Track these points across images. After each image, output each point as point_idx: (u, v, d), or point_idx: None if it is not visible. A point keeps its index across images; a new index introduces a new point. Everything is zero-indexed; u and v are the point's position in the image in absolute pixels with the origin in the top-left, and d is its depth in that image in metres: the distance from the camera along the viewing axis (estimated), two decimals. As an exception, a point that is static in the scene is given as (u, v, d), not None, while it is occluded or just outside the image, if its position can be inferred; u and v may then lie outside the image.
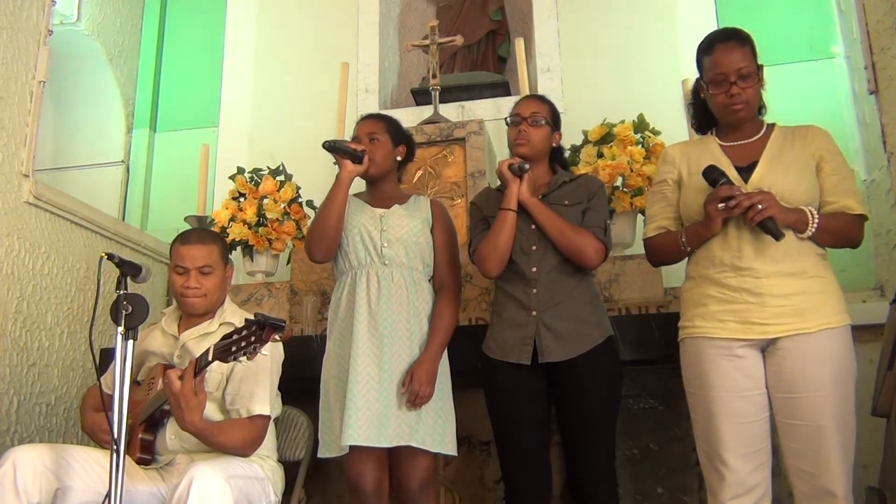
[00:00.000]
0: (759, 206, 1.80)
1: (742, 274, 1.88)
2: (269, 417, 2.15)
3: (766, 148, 1.97)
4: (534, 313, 2.11)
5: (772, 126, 2.03)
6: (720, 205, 1.85)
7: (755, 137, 2.01)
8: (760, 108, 2.05)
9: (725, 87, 1.94)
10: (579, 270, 2.16)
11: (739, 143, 2.01)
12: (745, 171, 1.95)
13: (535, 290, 2.13)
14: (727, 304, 1.89)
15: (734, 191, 1.85)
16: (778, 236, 1.81)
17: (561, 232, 2.13)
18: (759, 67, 1.97)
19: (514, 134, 2.24)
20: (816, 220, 1.87)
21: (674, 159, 2.09)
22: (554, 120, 2.28)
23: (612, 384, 2.13)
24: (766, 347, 1.87)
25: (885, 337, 2.25)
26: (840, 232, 1.91)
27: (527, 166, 2.17)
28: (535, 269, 2.14)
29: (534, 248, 2.16)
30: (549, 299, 2.12)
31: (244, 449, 2.09)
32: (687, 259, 2.04)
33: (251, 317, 2.25)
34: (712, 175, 1.90)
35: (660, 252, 2.09)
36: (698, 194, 1.95)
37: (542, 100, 2.35)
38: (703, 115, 2.10)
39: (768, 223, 1.81)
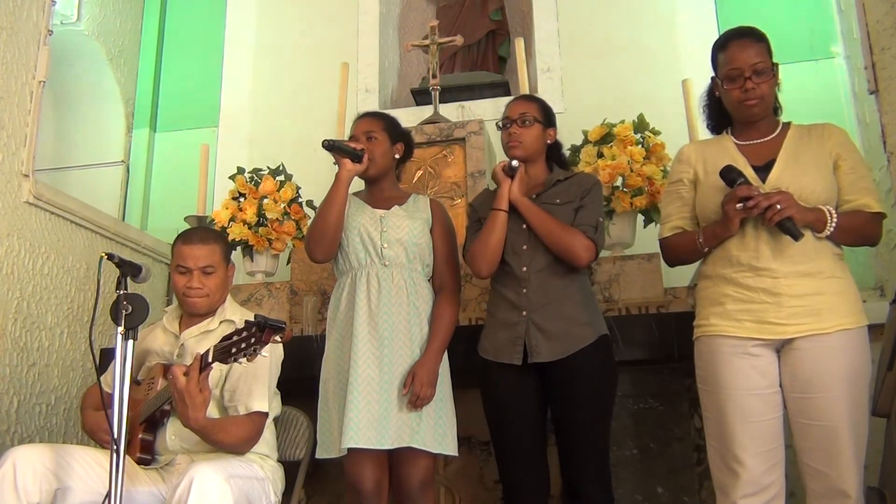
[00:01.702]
0: (778, 207, 1.80)
1: (760, 274, 1.87)
2: (266, 415, 2.15)
3: (782, 147, 1.97)
4: (524, 313, 2.11)
5: (787, 125, 2.03)
6: (738, 205, 1.85)
7: (771, 136, 2.00)
8: (776, 110, 2.05)
9: (740, 83, 1.94)
10: (571, 270, 2.14)
11: (755, 141, 2.00)
12: (762, 170, 1.94)
13: (525, 290, 2.13)
14: (744, 304, 1.88)
15: (752, 191, 1.85)
16: (797, 236, 1.81)
17: (549, 231, 2.12)
18: (775, 65, 1.97)
19: (505, 137, 2.25)
20: (835, 220, 1.86)
21: (689, 158, 2.09)
22: (545, 117, 2.27)
23: (604, 385, 2.11)
24: (782, 347, 1.87)
25: (885, 337, 2.25)
26: (858, 230, 1.91)
27: (515, 164, 2.18)
28: (525, 269, 2.14)
29: (524, 247, 2.16)
30: (539, 299, 2.11)
31: (242, 446, 2.09)
32: (702, 258, 2.04)
33: (251, 315, 2.26)
34: (730, 175, 1.89)
35: (676, 252, 2.08)
36: (715, 193, 1.95)
37: (531, 99, 2.35)
38: (718, 115, 2.10)
39: (787, 223, 1.81)
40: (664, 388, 2.60)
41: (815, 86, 3.46)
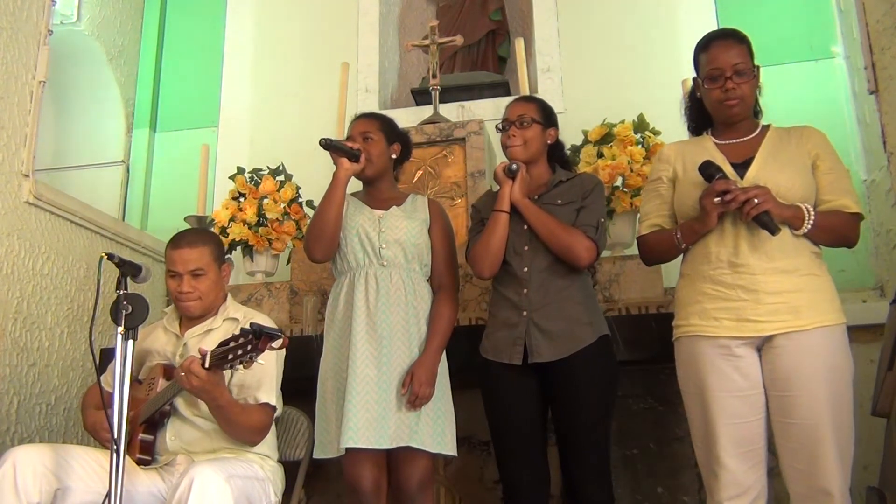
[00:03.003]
0: (756, 201, 1.80)
1: (738, 270, 1.87)
2: (275, 408, 2.16)
3: (761, 145, 1.97)
4: (525, 313, 2.11)
5: (767, 126, 2.04)
6: (716, 199, 1.85)
7: (750, 136, 2.01)
8: (757, 113, 2.05)
9: (721, 83, 1.95)
10: (572, 270, 2.15)
11: (735, 140, 2.01)
12: (741, 167, 1.95)
13: (525, 291, 2.13)
14: (722, 302, 1.88)
15: (730, 185, 1.85)
16: (774, 231, 1.81)
17: (550, 231, 2.12)
18: (756, 67, 1.97)
19: (504, 140, 2.25)
20: (812, 217, 1.87)
21: (669, 157, 2.09)
22: (545, 117, 2.26)
23: (605, 385, 2.11)
24: (762, 346, 1.87)
25: (885, 337, 2.25)
26: (836, 230, 1.91)
27: (514, 167, 2.18)
28: (526, 270, 2.14)
29: (525, 248, 2.16)
30: (540, 299, 2.11)
31: (256, 434, 2.11)
32: (682, 257, 2.04)
33: (254, 313, 2.26)
34: (708, 170, 1.90)
35: (654, 250, 2.08)
36: (693, 189, 1.95)
37: (529, 100, 2.35)
38: (699, 117, 2.11)
39: (764, 217, 1.81)
40: (664, 388, 2.60)
41: (815, 86, 3.46)
